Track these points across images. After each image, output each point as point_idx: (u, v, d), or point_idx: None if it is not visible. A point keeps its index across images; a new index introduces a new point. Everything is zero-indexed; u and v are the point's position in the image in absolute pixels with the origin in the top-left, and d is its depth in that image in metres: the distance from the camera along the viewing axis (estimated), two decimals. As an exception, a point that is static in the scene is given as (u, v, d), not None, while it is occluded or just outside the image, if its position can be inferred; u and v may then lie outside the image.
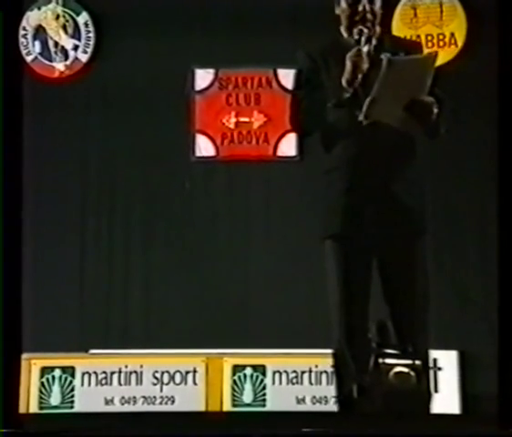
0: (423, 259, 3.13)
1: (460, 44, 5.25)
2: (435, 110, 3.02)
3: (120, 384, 5.06)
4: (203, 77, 5.48)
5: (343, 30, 3.16)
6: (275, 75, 5.44)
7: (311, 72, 3.15)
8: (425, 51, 3.16)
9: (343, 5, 3.13)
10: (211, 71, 5.48)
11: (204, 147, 5.44)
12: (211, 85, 5.50)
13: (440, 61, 4.73)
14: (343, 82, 3.01)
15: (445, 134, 3.05)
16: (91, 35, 5.47)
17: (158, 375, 5.05)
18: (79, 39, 5.44)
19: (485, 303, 4.84)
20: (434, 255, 3.43)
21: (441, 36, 5.26)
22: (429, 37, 5.30)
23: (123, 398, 5.05)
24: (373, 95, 2.92)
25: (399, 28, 5.30)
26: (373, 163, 3.08)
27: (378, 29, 3.09)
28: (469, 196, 5.08)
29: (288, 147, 5.41)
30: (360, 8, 3.09)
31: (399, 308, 3.10)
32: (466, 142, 5.00)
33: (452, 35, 5.26)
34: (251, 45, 5.38)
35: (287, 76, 5.35)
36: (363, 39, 3.05)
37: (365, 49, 3.02)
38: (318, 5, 5.02)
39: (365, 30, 3.06)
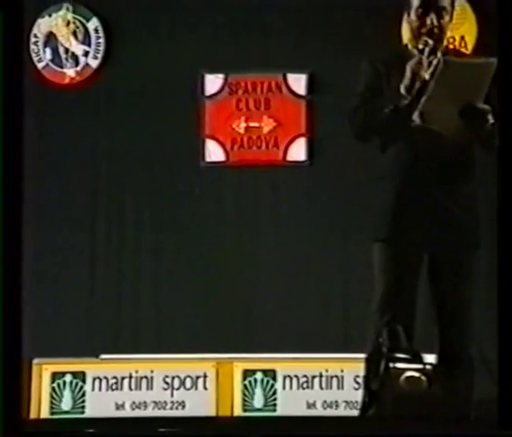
0: (473, 271, 3.22)
1: (470, 47, 5.25)
2: (491, 120, 3.04)
3: (131, 389, 5.06)
4: (213, 82, 5.49)
5: (407, 40, 3.31)
6: (285, 79, 5.43)
7: (372, 79, 3.22)
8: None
9: (413, 16, 3.20)
10: (221, 76, 5.49)
11: (214, 152, 5.45)
12: (221, 90, 5.51)
13: None
14: (402, 89, 3.07)
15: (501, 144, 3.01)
16: (101, 41, 5.49)
17: (168, 380, 5.06)
18: (89, 45, 5.47)
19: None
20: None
21: (451, 40, 5.16)
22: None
23: (134, 403, 5.06)
24: (428, 94, 2.94)
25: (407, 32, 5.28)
26: (426, 171, 3.12)
27: (444, 43, 3.21)
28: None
29: (298, 151, 5.40)
30: (428, 21, 3.16)
31: (444, 315, 3.20)
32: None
33: (462, 38, 5.26)
34: (261, 50, 5.40)
35: (297, 81, 5.37)
36: (427, 50, 3.13)
37: (428, 60, 3.10)
38: (326, 10, 5.23)
39: (431, 42, 3.14)
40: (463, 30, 5.26)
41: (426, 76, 3.05)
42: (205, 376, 5.04)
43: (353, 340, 3.41)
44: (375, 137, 3.21)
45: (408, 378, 3.01)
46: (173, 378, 5.05)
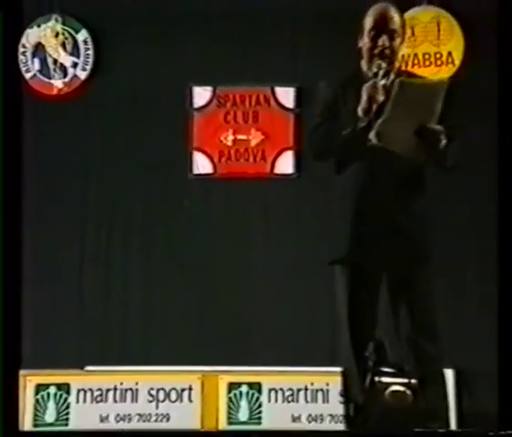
0: (427, 283, 3.23)
1: (457, 62, 5.24)
2: (444, 140, 3.06)
3: (116, 401, 5.04)
4: (201, 95, 5.49)
5: (363, 63, 3.26)
6: (273, 93, 5.45)
7: (330, 101, 3.25)
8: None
9: (366, 38, 3.24)
10: (209, 89, 5.49)
11: (202, 164, 5.45)
12: (209, 102, 5.50)
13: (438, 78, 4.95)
14: (359, 111, 3.09)
15: (456, 164, 3.11)
16: (90, 52, 5.49)
17: (153, 392, 5.03)
18: (78, 57, 5.46)
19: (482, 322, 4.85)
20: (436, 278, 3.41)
21: (438, 55, 5.25)
22: (426, 56, 5.28)
23: (118, 415, 5.03)
24: (385, 115, 2.98)
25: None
26: (381, 190, 3.15)
27: (397, 65, 3.21)
28: (470, 223, 5.10)
29: (285, 164, 5.41)
30: (380, 43, 3.18)
31: (402, 328, 3.21)
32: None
33: (449, 54, 5.26)
34: (250, 63, 5.40)
35: (285, 94, 5.39)
36: (380, 73, 3.14)
37: (382, 83, 3.11)
38: (316, 23, 5.25)
39: (383, 65, 3.15)
40: (450, 46, 5.27)
41: (382, 98, 3.07)
42: (190, 389, 5.03)
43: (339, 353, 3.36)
44: (333, 157, 3.24)
45: (393, 392, 3.05)
46: (158, 390, 5.04)
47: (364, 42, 3.29)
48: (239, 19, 5.42)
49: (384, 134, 3.00)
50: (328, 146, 3.21)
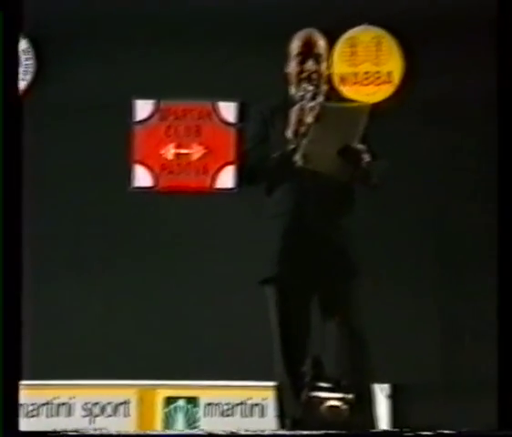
0: (358, 298, 3.31)
1: (397, 81, 5.30)
2: (367, 158, 3.16)
3: (50, 416, 4.99)
4: (143, 108, 5.48)
5: (291, 86, 3.34)
6: (215, 107, 5.46)
7: (259, 125, 3.34)
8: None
9: (293, 63, 3.33)
10: (152, 102, 5.48)
11: (142, 177, 5.43)
12: (152, 116, 5.49)
13: (377, 98, 5.20)
14: (289, 134, 3.18)
15: (380, 182, 3.20)
16: (30, 62, 5.44)
17: (89, 407, 4.98)
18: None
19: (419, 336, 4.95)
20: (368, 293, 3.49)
21: (378, 75, 5.31)
22: (366, 75, 5.34)
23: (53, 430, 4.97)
24: (309, 137, 3.09)
25: (338, 65, 5.33)
26: (311, 209, 3.24)
27: (324, 88, 3.30)
28: (405, 238, 5.17)
29: (226, 179, 5.42)
30: (307, 68, 3.27)
31: (336, 344, 3.26)
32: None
33: (389, 73, 5.32)
34: (193, 78, 5.39)
35: (227, 109, 5.39)
36: (308, 96, 3.22)
37: (309, 105, 3.19)
38: (259, 39, 5.26)
39: (310, 88, 3.24)
40: (390, 65, 5.33)
41: (310, 121, 3.15)
42: (127, 403, 4.99)
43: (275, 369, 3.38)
44: (265, 180, 3.32)
45: (329, 407, 3.09)
46: (94, 405, 5.00)
47: (292, 67, 3.37)
48: (182, 33, 5.43)
49: (310, 155, 3.09)
50: (259, 168, 3.29)
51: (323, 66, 3.36)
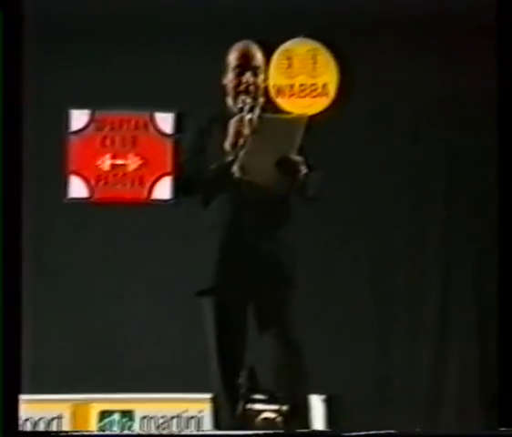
0: (292, 309, 3.33)
1: (333, 93, 5.31)
2: (304, 170, 3.19)
3: (-21, 432, 4.91)
4: (79, 118, 5.42)
5: (228, 99, 3.36)
6: (152, 118, 5.38)
7: (196, 136, 3.36)
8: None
9: (231, 75, 3.35)
10: (87, 112, 5.42)
11: (78, 188, 5.37)
12: (87, 126, 5.43)
13: (313, 111, 5.18)
14: (227, 146, 3.20)
15: (317, 193, 3.22)
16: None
17: (20, 422, 4.81)
18: None
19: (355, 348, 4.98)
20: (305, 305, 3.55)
21: (314, 87, 5.31)
22: (302, 87, 5.33)
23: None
24: (246, 149, 3.11)
25: (275, 77, 5.28)
26: (248, 220, 3.26)
27: (262, 100, 3.32)
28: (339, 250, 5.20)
29: (163, 190, 5.32)
30: (244, 80, 3.30)
31: (272, 355, 3.30)
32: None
33: (324, 85, 5.32)
34: (129, 88, 5.35)
35: (164, 120, 5.28)
36: (246, 108, 3.24)
37: (248, 117, 3.21)
38: (196, 50, 5.24)
39: (248, 100, 3.26)
40: (326, 78, 5.33)
41: (247, 133, 3.17)
42: (60, 418, 4.93)
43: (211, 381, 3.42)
44: (203, 191, 3.33)
45: (264, 419, 3.11)
46: (26, 420, 4.92)
47: (229, 79, 3.38)
48: (119, 42, 5.38)
49: (247, 167, 3.10)
50: (196, 180, 3.31)
51: (261, 78, 3.37)
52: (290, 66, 5.30)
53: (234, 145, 3.18)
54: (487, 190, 4.50)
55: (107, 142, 5.37)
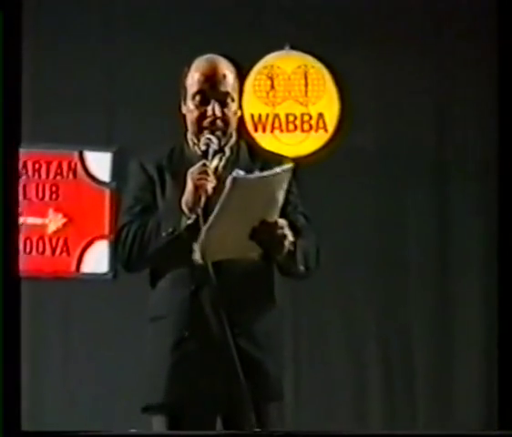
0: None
1: (331, 128, 4.58)
2: (290, 237, 2.78)
3: None
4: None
5: (188, 137, 2.95)
6: (82, 159, 4.66)
7: (143, 189, 2.95)
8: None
9: (190, 104, 2.90)
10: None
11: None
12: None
13: (305, 150, 4.52)
14: (184, 204, 2.81)
15: (309, 268, 2.86)
16: None
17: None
18: None
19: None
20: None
21: (306, 117, 4.57)
22: (290, 118, 4.59)
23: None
24: (210, 222, 2.71)
25: (252, 104, 4.56)
26: (211, 308, 2.87)
27: (233, 138, 2.93)
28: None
29: (97, 260, 4.58)
30: (209, 112, 2.89)
31: None
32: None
33: (320, 116, 4.60)
34: (52, 120, 4.64)
35: (98, 162, 4.60)
36: (210, 151, 2.86)
37: (213, 164, 2.86)
38: (147, 66, 4.59)
39: (214, 140, 2.87)
40: (321, 105, 4.59)
41: (213, 185, 2.79)
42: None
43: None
44: (148, 263, 2.94)
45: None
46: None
47: (189, 109, 2.90)
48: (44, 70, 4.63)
49: (213, 249, 2.74)
50: (142, 247, 2.88)
51: (232, 106, 2.92)
52: (272, 88, 4.62)
53: (194, 203, 2.79)
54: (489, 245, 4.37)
55: (19, 191, 4.44)
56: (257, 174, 2.79)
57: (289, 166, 2.76)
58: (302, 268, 2.83)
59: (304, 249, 2.84)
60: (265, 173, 2.77)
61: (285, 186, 2.74)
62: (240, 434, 2.64)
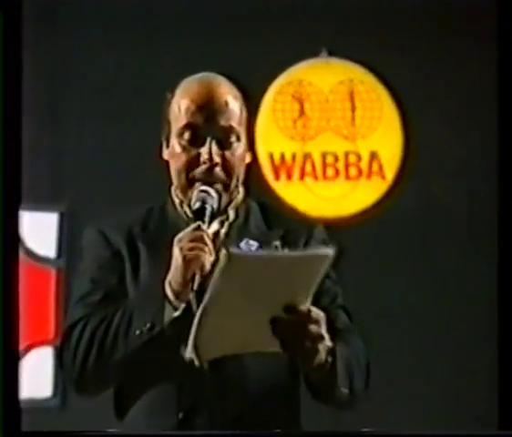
0: None
1: (391, 174, 3.43)
2: (327, 342, 2.03)
3: None
4: None
5: (173, 192, 2.24)
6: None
7: (105, 268, 2.21)
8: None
9: (176, 146, 2.15)
10: None
11: None
12: None
13: (351, 207, 3.60)
14: (167, 289, 2.13)
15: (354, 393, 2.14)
16: None
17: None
18: None
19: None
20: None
21: (353, 158, 3.49)
22: (329, 158, 3.47)
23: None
24: (210, 294, 1.97)
25: (271, 138, 3.51)
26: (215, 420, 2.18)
27: (240, 195, 2.20)
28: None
29: (36, 377, 3.43)
30: (204, 155, 2.14)
31: None
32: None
33: (374, 155, 3.50)
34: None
35: (38, 229, 3.59)
36: (207, 210, 2.14)
37: (211, 230, 2.15)
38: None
39: (213, 193, 2.17)
40: (375, 140, 3.50)
41: (211, 260, 2.07)
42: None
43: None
44: (113, 385, 2.19)
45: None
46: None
47: (174, 152, 2.13)
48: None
49: (209, 344, 2.02)
50: (102, 362, 2.13)
51: (238, 148, 2.13)
52: (302, 114, 3.57)
53: (184, 285, 2.07)
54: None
55: None
56: (256, 254, 2.13)
57: (328, 251, 1.97)
58: (344, 390, 2.11)
59: (348, 363, 2.13)
60: (269, 254, 2.10)
61: (322, 273, 2.01)
62: (242, 435, 2.18)
